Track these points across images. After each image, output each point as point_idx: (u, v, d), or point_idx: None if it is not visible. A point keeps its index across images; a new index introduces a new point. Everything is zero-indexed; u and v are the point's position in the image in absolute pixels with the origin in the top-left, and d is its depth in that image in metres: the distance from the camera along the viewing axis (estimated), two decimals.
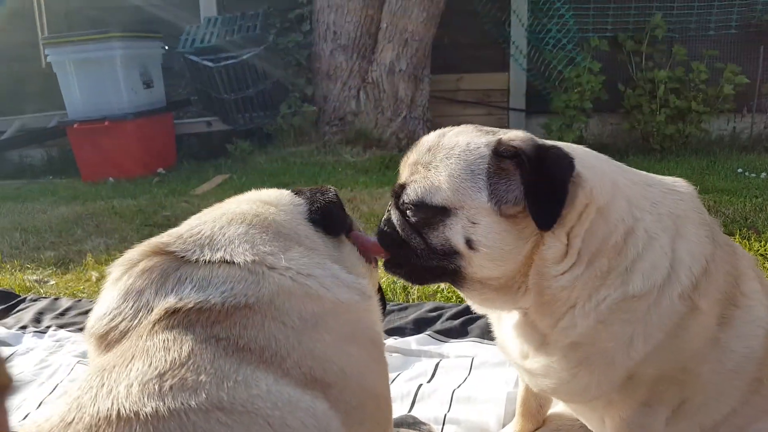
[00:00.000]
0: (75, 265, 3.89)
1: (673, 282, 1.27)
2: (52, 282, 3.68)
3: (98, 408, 0.90)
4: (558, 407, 1.83)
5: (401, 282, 3.21)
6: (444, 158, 1.30)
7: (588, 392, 1.34)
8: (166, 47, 7.22)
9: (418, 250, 1.34)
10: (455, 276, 1.33)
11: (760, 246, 3.36)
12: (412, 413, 2.02)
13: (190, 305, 1.05)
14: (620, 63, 6.64)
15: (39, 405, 2.25)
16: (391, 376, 2.28)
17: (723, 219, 3.88)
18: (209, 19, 7.10)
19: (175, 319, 1.04)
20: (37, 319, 3.04)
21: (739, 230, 3.61)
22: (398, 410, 2.05)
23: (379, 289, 1.62)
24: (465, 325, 2.64)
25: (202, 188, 5.80)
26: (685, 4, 6.60)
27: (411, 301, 3.05)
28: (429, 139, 1.39)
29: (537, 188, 1.21)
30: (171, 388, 0.93)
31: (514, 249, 1.26)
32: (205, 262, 1.14)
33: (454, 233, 1.28)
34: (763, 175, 5.13)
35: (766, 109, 6.70)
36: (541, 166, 1.22)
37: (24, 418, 2.16)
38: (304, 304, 1.13)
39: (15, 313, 3.16)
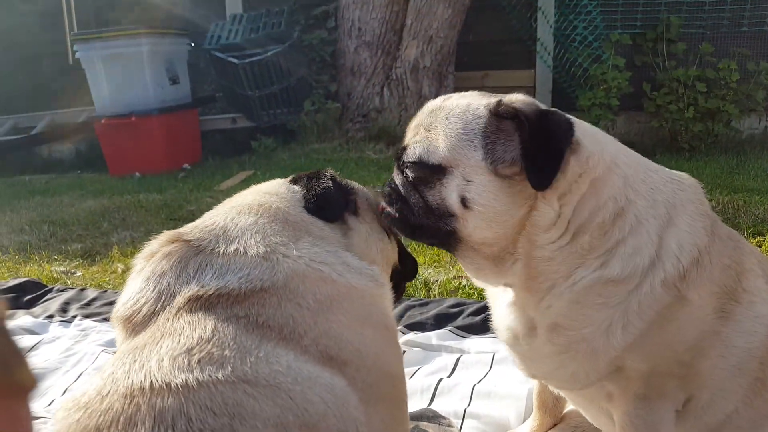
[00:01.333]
0: (101, 257, 3.96)
1: (657, 269, 1.25)
2: (79, 273, 3.75)
3: (132, 380, 0.96)
4: None
5: (422, 278, 3.21)
6: (443, 119, 1.33)
7: (577, 380, 1.34)
8: (192, 44, 7.30)
9: (416, 208, 1.36)
10: (450, 238, 1.35)
11: None
12: (432, 407, 2.01)
13: (211, 291, 1.11)
14: (647, 61, 6.52)
15: (64, 392, 2.29)
16: (411, 370, 2.27)
17: (753, 219, 3.79)
18: (235, 16, 7.16)
19: (198, 302, 1.10)
20: (64, 309, 3.10)
21: None
22: (418, 404, 2.04)
23: (411, 261, 1.68)
24: (486, 321, 2.60)
25: (226, 184, 5.85)
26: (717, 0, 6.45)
27: (432, 296, 3.04)
28: (434, 102, 1.42)
29: (534, 148, 1.23)
30: (199, 361, 0.99)
31: (507, 210, 1.27)
32: (221, 252, 1.20)
33: (449, 191, 1.30)
34: None
35: None
36: (540, 128, 1.23)
37: (49, 405, 2.21)
38: (318, 287, 1.18)
39: (42, 302, 3.22)
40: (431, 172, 1.31)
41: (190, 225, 1.30)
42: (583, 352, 1.30)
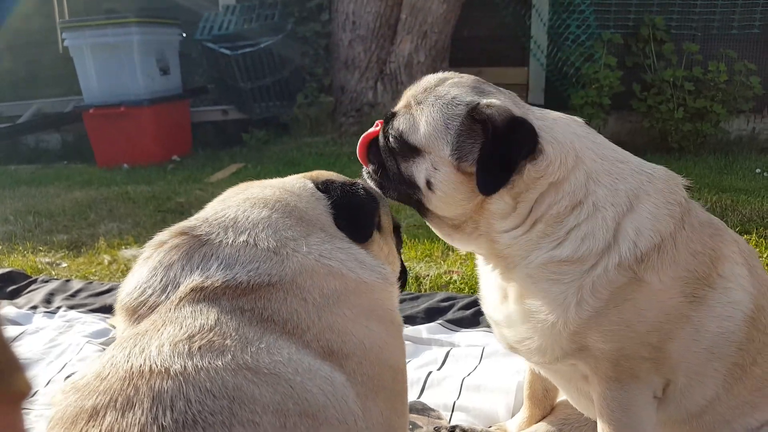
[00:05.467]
0: (87, 249, 3.91)
1: (612, 252, 1.32)
2: (64, 264, 3.70)
3: (131, 364, 0.97)
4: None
5: (414, 273, 3.20)
6: (431, 104, 1.42)
7: (544, 352, 1.41)
8: (184, 34, 7.23)
9: (391, 173, 1.50)
10: (419, 206, 1.49)
11: None
12: (422, 400, 2.00)
13: (217, 283, 1.11)
14: (638, 61, 6.55)
15: (47, 383, 2.26)
16: None
17: (740, 218, 3.82)
18: (228, 7, 7.10)
19: (202, 293, 1.10)
20: (48, 300, 3.06)
21: (756, 229, 3.55)
22: (408, 396, 2.03)
23: (404, 272, 1.69)
24: (476, 315, 2.61)
25: (217, 176, 5.81)
26: (708, 1, 6.49)
27: (423, 291, 3.03)
28: (431, 79, 1.49)
29: (489, 157, 1.33)
30: (200, 348, 0.99)
31: (463, 199, 1.40)
32: (229, 243, 1.19)
33: (419, 171, 1.43)
34: None
35: None
36: (502, 139, 1.32)
37: (32, 396, 2.17)
38: (326, 282, 1.18)
39: (26, 293, 3.18)
40: (408, 149, 1.43)
41: (200, 216, 1.29)
42: (542, 323, 1.37)
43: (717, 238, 1.44)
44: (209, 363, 0.97)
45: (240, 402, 0.94)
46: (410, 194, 1.48)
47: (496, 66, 7.14)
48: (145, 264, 1.19)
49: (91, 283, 3.27)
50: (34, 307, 2.98)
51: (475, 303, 2.72)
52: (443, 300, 2.79)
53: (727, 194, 4.41)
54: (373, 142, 1.56)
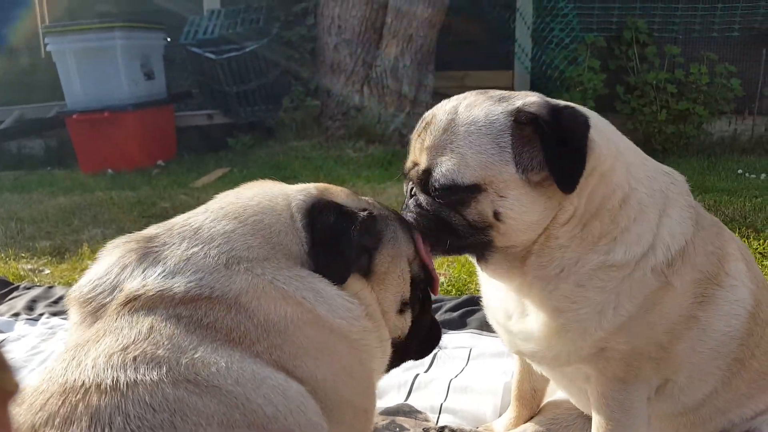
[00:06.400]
0: (71, 255, 3.87)
1: (649, 257, 1.31)
2: (47, 271, 3.65)
3: (66, 378, 0.95)
4: (555, 396, 1.81)
5: None
6: (465, 135, 1.30)
7: (559, 359, 1.39)
8: (168, 38, 7.19)
9: (459, 229, 1.34)
10: (486, 248, 1.36)
11: (759, 244, 3.34)
12: (409, 402, 2.00)
13: (151, 292, 1.07)
14: (621, 64, 6.62)
15: None
16: None
17: (723, 218, 3.87)
18: (212, 11, 7.07)
19: (139, 302, 1.07)
20: (30, 307, 3.02)
21: (739, 229, 3.60)
22: (395, 399, 2.03)
23: (432, 323, 1.51)
24: (464, 317, 2.62)
25: (202, 181, 5.77)
26: (689, 5, 6.58)
27: None
28: (440, 118, 1.36)
29: (557, 151, 1.23)
30: (134, 359, 0.96)
31: (538, 219, 1.29)
32: (178, 254, 1.14)
33: (483, 207, 1.30)
34: (763, 176, 5.12)
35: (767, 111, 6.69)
36: (558, 130, 1.23)
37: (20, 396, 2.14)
38: (276, 306, 1.10)
39: (8, 300, 3.14)
40: (466, 192, 1.29)
41: (168, 223, 1.25)
42: (574, 332, 1.34)
43: (721, 237, 1.45)
44: (144, 375, 0.94)
45: (182, 414, 0.91)
46: (481, 239, 1.34)
47: (481, 70, 7.18)
48: (101, 262, 1.18)
49: None
50: (16, 315, 2.95)
51: (462, 305, 2.73)
52: None
53: (710, 195, 4.47)
54: (418, 222, 1.39)
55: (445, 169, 1.30)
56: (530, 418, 1.78)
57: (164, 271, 1.10)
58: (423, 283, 1.40)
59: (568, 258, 1.32)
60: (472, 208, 1.30)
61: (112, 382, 0.92)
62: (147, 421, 0.89)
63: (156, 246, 1.16)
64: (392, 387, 2.10)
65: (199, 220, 1.22)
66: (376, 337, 1.26)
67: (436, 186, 1.32)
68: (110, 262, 1.15)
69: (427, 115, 1.41)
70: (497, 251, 1.36)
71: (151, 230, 1.23)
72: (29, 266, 3.73)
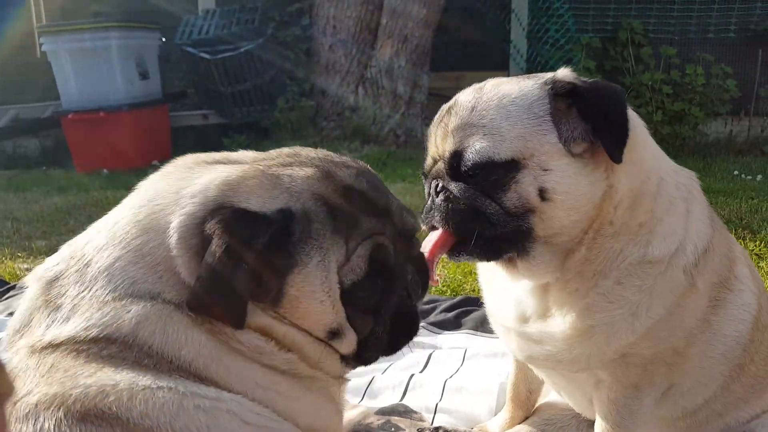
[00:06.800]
0: None
1: (680, 254, 1.26)
2: None
3: None
4: (549, 397, 1.81)
5: None
6: (498, 108, 1.21)
7: (578, 364, 1.32)
8: (163, 38, 7.18)
9: (494, 217, 1.21)
10: (526, 239, 1.23)
11: (755, 246, 3.35)
12: (404, 402, 2.00)
13: (45, 342, 1.01)
14: (617, 65, 6.63)
15: None
16: (383, 366, 2.26)
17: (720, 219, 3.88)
18: (207, 11, 7.06)
19: (42, 344, 1.02)
20: None
21: (735, 230, 3.61)
22: (390, 399, 2.03)
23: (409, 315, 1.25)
24: (459, 317, 2.63)
25: None
26: (685, 6, 6.60)
27: None
28: (465, 99, 1.27)
29: (603, 120, 1.17)
30: (36, 405, 0.93)
31: (587, 193, 1.20)
32: (72, 298, 1.05)
33: (526, 186, 1.18)
34: (759, 177, 5.13)
35: (763, 112, 6.71)
36: (598, 98, 1.19)
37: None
38: (179, 347, 1.00)
39: (4, 300, 3.12)
40: (503, 170, 1.18)
41: (71, 249, 1.13)
42: (601, 335, 1.26)
43: (729, 240, 1.43)
44: (45, 422, 0.91)
45: None
46: (520, 226, 1.22)
47: (477, 70, 7.17)
48: (21, 304, 1.12)
49: None
50: (12, 314, 2.93)
51: (457, 305, 2.73)
52: (426, 303, 2.79)
53: (706, 196, 4.44)
54: (446, 213, 1.25)
55: (478, 146, 1.19)
56: (525, 419, 1.78)
57: (62, 317, 1.02)
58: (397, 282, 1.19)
59: (614, 249, 1.24)
60: (511, 191, 1.19)
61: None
62: None
63: (53, 294, 1.07)
64: (387, 387, 2.10)
65: (89, 249, 1.09)
66: (305, 366, 1.11)
67: (469, 166, 1.20)
68: (23, 306, 1.10)
69: (445, 105, 1.32)
70: (539, 243, 1.24)
71: (55, 266, 1.12)
72: (25, 266, 3.72)
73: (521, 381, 1.75)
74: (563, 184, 1.18)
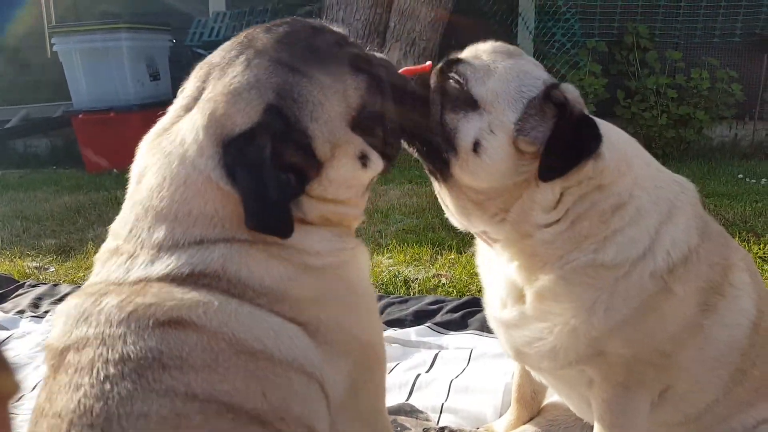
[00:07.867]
0: (76, 253, 3.90)
1: (648, 260, 1.32)
2: (52, 269, 3.69)
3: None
4: (554, 398, 1.84)
5: (402, 276, 3.23)
6: (507, 67, 1.35)
7: (557, 357, 1.37)
8: (174, 40, 7.22)
9: (432, 118, 1.36)
10: (442, 168, 1.37)
11: (759, 249, 3.37)
12: (410, 402, 2.03)
13: (152, 277, 1.08)
14: (622, 69, 6.65)
15: (34, 387, 2.26)
16: (390, 365, 2.29)
17: (723, 222, 3.88)
18: (218, 13, 7.11)
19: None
20: (35, 304, 3.04)
21: (739, 233, 3.62)
22: (396, 398, 2.06)
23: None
24: (465, 318, 2.65)
25: None
26: (690, 11, 6.61)
27: (412, 294, 3.06)
28: (499, 46, 1.43)
29: (561, 142, 1.27)
30: (129, 314, 1.01)
31: (505, 174, 1.32)
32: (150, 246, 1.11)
33: (467, 128, 1.32)
34: (764, 180, 5.14)
35: None
36: (575, 129, 1.28)
37: (18, 400, 2.17)
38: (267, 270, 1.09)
39: (13, 298, 3.16)
40: (465, 100, 1.33)
41: (122, 230, 1.18)
42: (563, 326, 1.34)
43: (727, 248, 1.46)
44: (131, 324, 0.99)
45: (167, 344, 0.97)
46: (438, 150, 1.36)
47: None
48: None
49: (79, 287, 3.26)
50: (21, 312, 2.97)
51: (463, 306, 2.76)
52: (432, 303, 2.82)
53: (711, 199, 4.49)
54: (418, 79, 1.43)
55: (470, 68, 1.35)
56: (530, 420, 1.80)
57: (144, 262, 1.08)
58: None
59: (551, 254, 1.34)
60: (458, 116, 1.33)
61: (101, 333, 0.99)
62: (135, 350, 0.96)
63: (129, 245, 1.15)
64: (394, 386, 2.12)
65: (154, 202, 1.16)
66: (350, 244, 1.20)
67: (452, 73, 1.36)
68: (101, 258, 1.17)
69: (490, 42, 1.46)
70: (454, 184, 1.38)
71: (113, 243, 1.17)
72: (34, 264, 3.76)
73: (526, 381, 1.78)
74: (493, 151, 1.30)
